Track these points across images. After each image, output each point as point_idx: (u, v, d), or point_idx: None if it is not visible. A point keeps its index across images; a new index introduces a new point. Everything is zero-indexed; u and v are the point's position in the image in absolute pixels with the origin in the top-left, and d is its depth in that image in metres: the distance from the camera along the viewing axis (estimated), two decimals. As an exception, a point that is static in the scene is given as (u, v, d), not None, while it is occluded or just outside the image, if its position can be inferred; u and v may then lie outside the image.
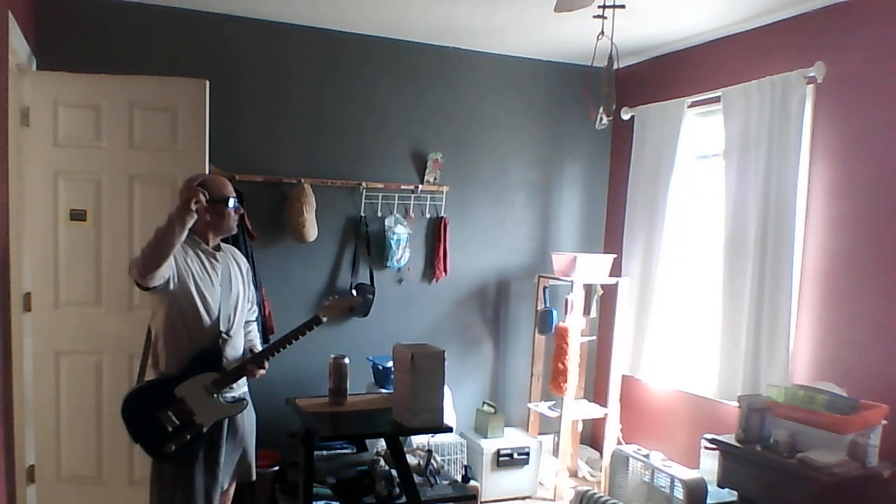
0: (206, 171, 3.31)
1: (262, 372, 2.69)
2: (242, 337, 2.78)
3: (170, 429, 2.52)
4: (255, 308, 2.96)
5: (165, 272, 2.42)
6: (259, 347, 2.84)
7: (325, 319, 2.73)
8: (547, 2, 3.23)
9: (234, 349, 2.69)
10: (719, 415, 3.82)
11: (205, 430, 2.55)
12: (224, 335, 2.62)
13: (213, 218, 2.62)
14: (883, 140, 3.13)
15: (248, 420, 2.77)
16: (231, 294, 2.68)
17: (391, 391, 3.29)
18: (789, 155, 3.41)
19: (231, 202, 2.64)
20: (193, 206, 2.37)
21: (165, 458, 2.55)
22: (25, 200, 3.22)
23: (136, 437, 2.56)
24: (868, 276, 3.16)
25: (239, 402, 2.68)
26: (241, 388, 2.74)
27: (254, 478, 2.85)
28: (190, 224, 2.41)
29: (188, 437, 2.53)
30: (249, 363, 2.66)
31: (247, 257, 3.18)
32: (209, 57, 3.84)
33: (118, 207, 3.34)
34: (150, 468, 2.62)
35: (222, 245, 2.75)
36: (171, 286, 2.49)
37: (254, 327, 2.94)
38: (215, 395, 2.57)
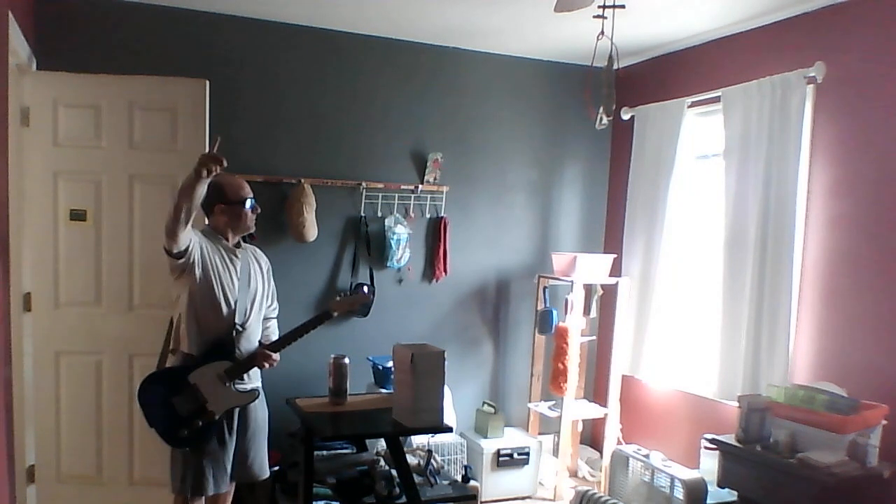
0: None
1: (273, 363, 2.77)
2: (259, 331, 2.85)
3: (183, 414, 2.57)
4: (276, 305, 3.04)
5: (186, 238, 2.50)
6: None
7: (335, 314, 2.84)
8: (547, 2, 3.22)
9: (249, 342, 2.77)
10: (719, 415, 3.82)
11: (217, 417, 2.62)
12: (238, 327, 2.70)
13: (231, 218, 2.73)
14: (883, 140, 3.12)
15: (260, 415, 2.84)
16: (249, 289, 2.76)
17: (391, 391, 3.29)
18: (789, 155, 3.41)
19: (248, 203, 2.74)
20: (204, 175, 2.36)
21: (178, 444, 2.63)
22: (25, 200, 3.22)
23: (150, 422, 2.64)
24: (868, 276, 3.16)
25: (251, 392, 2.76)
26: (253, 380, 2.82)
27: (266, 475, 2.91)
28: (200, 189, 2.39)
29: (200, 423, 2.59)
30: (260, 353, 2.74)
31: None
32: (209, 57, 3.84)
33: (118, 207, 3.34)
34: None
35: (244, 244, 2.85)
36: (197, 271, 2.58)
37: (272, 324, 3.02)
38: (227, 384, 2.65)
